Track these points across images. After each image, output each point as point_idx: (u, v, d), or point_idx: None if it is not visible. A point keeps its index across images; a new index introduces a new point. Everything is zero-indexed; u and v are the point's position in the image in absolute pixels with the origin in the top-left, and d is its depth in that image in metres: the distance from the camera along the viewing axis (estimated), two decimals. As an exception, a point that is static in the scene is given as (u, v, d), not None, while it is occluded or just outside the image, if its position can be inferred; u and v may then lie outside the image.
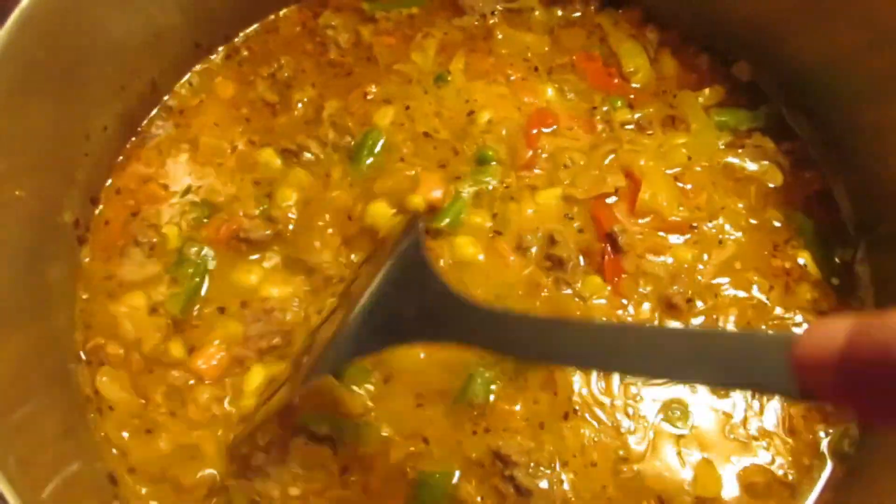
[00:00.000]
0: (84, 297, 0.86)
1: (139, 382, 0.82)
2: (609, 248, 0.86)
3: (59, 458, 0.74)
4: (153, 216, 0.89)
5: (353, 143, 0.93)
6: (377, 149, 0.93)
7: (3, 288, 0.74)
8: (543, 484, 0.77)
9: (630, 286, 0.86)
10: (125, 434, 0.81)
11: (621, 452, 0.79)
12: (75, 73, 0.80)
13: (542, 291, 0.85)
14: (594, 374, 0.82)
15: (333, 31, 1.01)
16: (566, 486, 0.77)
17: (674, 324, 0.85)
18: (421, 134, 0.94)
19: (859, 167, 0.92)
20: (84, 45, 0.80)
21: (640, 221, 0.89)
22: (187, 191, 0.91)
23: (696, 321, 0.85)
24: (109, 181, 0.92)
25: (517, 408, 0.80)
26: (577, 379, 0.82)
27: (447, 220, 0.88)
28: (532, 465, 0.77)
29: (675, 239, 0.89)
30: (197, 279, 0.86)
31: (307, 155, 0.92)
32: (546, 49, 1.01)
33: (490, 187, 0.90)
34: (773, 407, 0.83)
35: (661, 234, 0.89)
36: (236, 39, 1.01)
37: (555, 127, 0.95)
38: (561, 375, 0.81)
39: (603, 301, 0.85)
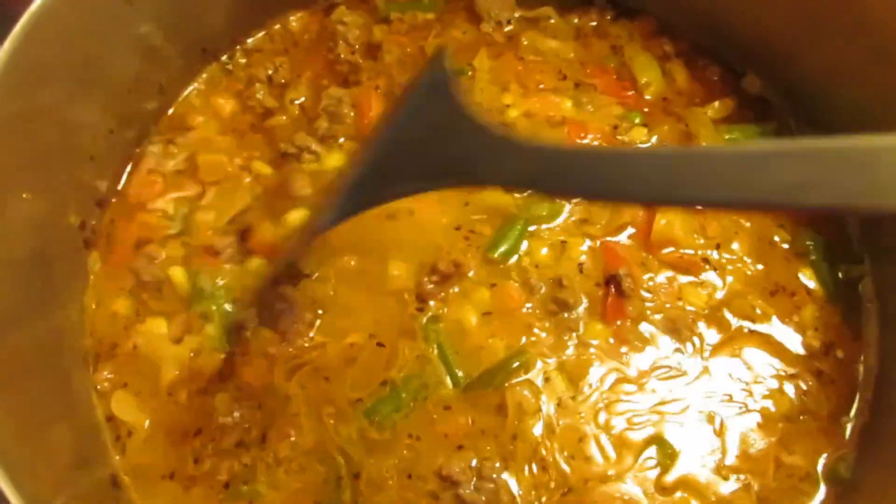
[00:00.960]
0: (94, 306, 0.87)
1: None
2: (613, 291, 0.86)
3: (64, 462, 0.75)
4: (155, 250, 0.88)
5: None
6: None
7: (10, 287, 0.75)
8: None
9: (633, 332, 0.86)
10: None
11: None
12: (83, 76, 0.80)
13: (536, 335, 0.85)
14: (554, 404, 0.82)
15: (344, 28, 0.99)
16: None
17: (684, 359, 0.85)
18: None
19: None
20: (92, 50, 0.80)
21: (663, 252, 0.89)
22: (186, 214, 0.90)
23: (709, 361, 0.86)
24: (114, 198, 0.91)
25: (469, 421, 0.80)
26: (536, 398, 0.82)
27: (504, 249, 0.87)
28: (475, 479, 0.78)
29: (685, 279, 0.89)
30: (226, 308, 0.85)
31: (307, 155, 0.91)
32: (572, 55, 1.00)
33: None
34: (760, 437, 0.83)
35: (672, 274, 0.89)
36: (242, 46, 1.01)
37: (587, 140, 0.94)
38: (512, 397, 0.81)
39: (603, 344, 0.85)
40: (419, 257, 0.86)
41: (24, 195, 0.76)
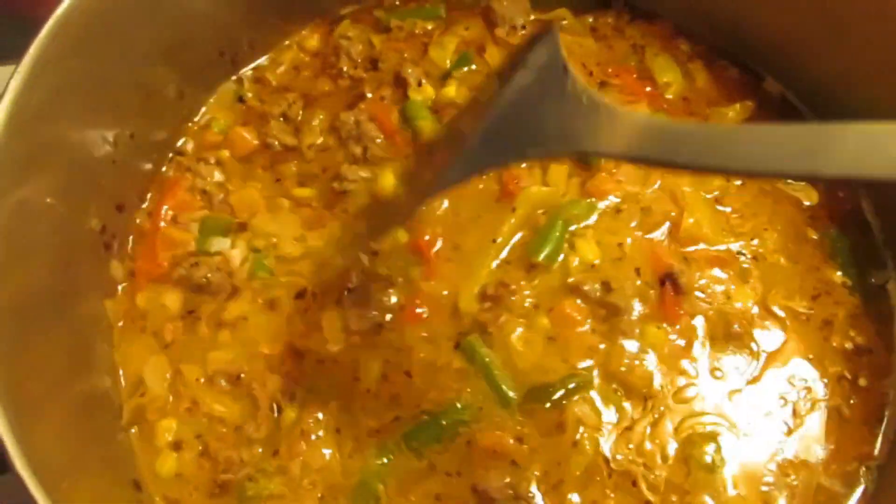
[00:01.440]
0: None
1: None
2: (671, 289, 0.85)
3: (87, 462, 0.75)
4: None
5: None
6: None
7: (34, 291, 0.75)
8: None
9: (691, 331, 0.85)
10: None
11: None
12: (104, 81, 0.80)
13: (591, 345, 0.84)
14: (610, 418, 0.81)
15: (348, 42, 1.00)
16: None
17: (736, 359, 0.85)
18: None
19: (884, 184, 0.91)
20: (112, 55, 0.80)
21: (687, 249, 0.88)
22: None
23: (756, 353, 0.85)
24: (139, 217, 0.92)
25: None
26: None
27: (547, 251, 0.85)
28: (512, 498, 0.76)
29: (722, 274, 0.88)
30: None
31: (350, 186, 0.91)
32: (594, 49, 1.00)
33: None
34: (804, 438, 0.82)
35: (712, 270, 0.88)
36: (253, 62, 1.01)
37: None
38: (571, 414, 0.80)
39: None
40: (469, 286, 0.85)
41: (47, 199, 0.76)
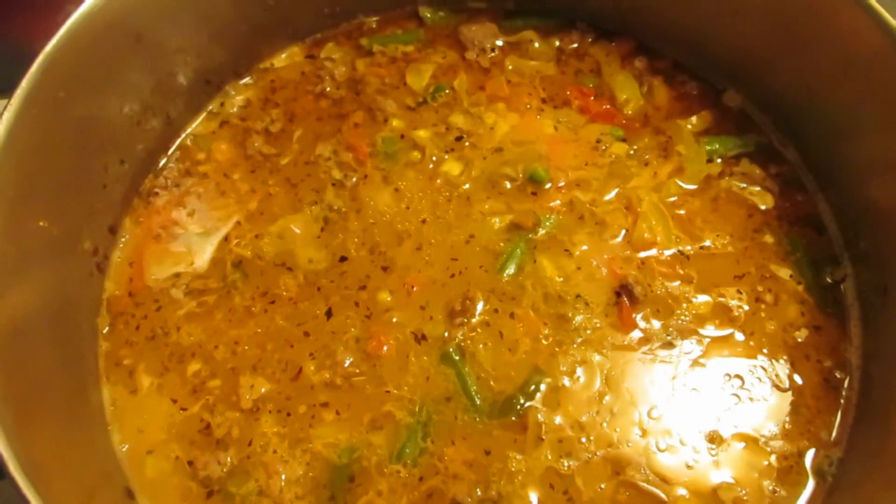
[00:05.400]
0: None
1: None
2: (626, 300, 0.89)
3: (81, 471, 0.78)
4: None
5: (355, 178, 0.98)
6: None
7: (30, 309, 0.78)
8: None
9: (645, 335, 0.89)
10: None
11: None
12: (94, 110, 0.85)
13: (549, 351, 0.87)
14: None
15: (332, 64, 1.06)
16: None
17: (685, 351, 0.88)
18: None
19: (841, 188, 0.96)
20: (101, 85, 0.85)
21: (641, 255, 0.93)
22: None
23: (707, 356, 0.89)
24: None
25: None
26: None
27: (510, 270, 0.91)
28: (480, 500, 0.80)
29: (675, 277, 0.92)
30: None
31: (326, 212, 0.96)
32: (552, 75, 1.05)
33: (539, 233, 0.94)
34: (753, 428, 0.86)
35: (666, 273, 0.92)
36: (235, 87, 1.06)
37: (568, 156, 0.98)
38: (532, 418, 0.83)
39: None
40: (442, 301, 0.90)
41: (40, 223, 0.80)
